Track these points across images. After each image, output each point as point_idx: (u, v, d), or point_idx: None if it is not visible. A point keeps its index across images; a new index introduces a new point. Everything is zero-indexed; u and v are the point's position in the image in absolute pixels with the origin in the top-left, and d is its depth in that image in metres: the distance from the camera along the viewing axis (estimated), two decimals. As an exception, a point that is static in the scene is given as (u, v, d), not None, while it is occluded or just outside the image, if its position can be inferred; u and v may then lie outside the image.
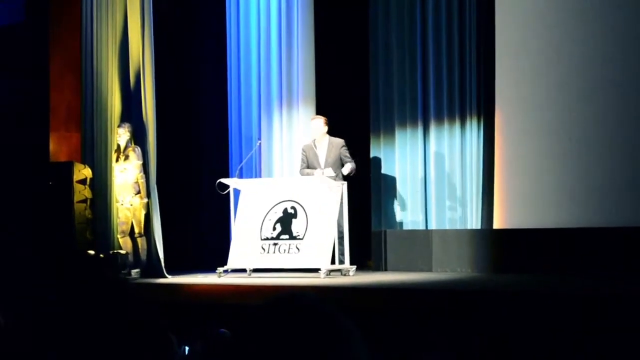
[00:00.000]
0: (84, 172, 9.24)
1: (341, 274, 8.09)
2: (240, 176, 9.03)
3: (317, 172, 8.51)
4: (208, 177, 9.92)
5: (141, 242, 8.85)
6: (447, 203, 8.78)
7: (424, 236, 8.69)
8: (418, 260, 8.63)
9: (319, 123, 8.72)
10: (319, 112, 9.27)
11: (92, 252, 8.45)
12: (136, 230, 8.86)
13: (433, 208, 8.82)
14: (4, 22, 10.97)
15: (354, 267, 8.19)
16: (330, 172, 8.38)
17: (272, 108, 9.82)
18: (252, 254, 8.28)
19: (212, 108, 10.53)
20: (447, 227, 8.72)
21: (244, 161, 9.37)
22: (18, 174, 9.98)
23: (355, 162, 8.60)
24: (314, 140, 8.73)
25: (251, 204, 8.49)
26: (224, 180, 8.60)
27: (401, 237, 8.90)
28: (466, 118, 8.68)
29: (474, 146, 8.62)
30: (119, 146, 8.96)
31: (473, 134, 8.63)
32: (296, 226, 8.18)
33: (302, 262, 8.04)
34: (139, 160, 8.84)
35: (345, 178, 8.48)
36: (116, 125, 9.15)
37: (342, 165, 8.53)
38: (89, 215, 9.22)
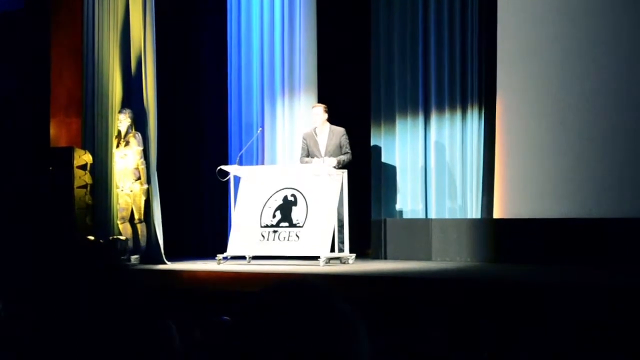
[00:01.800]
0: (84, 157, 9.23)
1: (340, 262, 8.10)
2: (241, 163, 9.02)
3: (316, 160, 8.50)
4: (208, 163, 9.92)
5: (141, 228, 8.87)
6: (447, 192, 8.78)
7: (424, 225, 8.69)
8: (417, 249, 8.63)
9: (319, 110, 8.71)
10: (320, 100, 9.25)
11: (91, 237, 8.46)
12: (136, 216, 8.87)
13: (433, 197, 8.82)
14: (4, 8, 10.94)
15: (354, 255, 8.20)
16: (331, 161, 8.36)
17: (274, 96, 9.80)
18: (251, 241, 8.29)
19: (213, 95, 10.52)
20: (447, 217, 8.72)
21: (244, 148, 9.36)
22: (18, 160, 9.98)
23: (353, 153, 8.59)
24: (315, 128, 8.73)
25: (251, 191, 8.50)
26: (224, 167, 8.60)
27: (401, 226, 8.90)
28: (467, 107, 8.68)
29: (474, 136, 8.62)
30: (119, 132, 8.96)
31: (474, 123, 8.63)
32: (296, 214, 8.19)
33: (301, 249, 8.05)
34: (139, 146, 8.85)
35: (344, 166, 8.47)
36: (117, 111, 9.15)
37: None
38: (89, 201, 9.22)
